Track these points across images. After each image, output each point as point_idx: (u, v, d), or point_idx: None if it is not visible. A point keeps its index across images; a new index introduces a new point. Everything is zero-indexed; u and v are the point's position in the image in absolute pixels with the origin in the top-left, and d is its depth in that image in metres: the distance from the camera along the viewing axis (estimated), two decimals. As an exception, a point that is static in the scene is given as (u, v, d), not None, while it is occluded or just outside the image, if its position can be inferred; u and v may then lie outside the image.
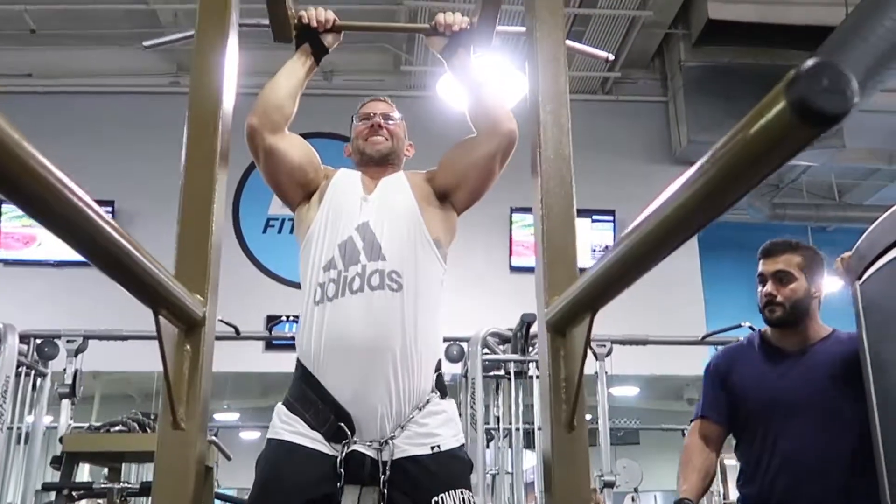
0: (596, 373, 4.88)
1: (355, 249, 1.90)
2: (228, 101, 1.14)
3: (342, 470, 1.76)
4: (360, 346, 1.81)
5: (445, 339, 4.40)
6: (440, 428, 1.85)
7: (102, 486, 2.80)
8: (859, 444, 2.19)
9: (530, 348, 4.76)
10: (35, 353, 4.71)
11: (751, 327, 4.38)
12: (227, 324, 4.65)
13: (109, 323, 5.13)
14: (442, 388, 1.92)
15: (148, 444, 2.79)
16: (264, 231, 7.29)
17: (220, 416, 10.26)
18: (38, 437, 4.67)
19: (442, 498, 1.78)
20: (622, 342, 5.08)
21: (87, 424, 3.76)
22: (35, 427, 4.69)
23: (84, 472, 5.88)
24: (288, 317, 6.52)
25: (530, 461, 5.14)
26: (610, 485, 4.68)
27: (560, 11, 1.21)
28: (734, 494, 3.71)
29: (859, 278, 2.18)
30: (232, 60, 1.16)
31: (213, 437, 3.02)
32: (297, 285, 2.06)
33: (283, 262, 7.01)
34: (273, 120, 1.99)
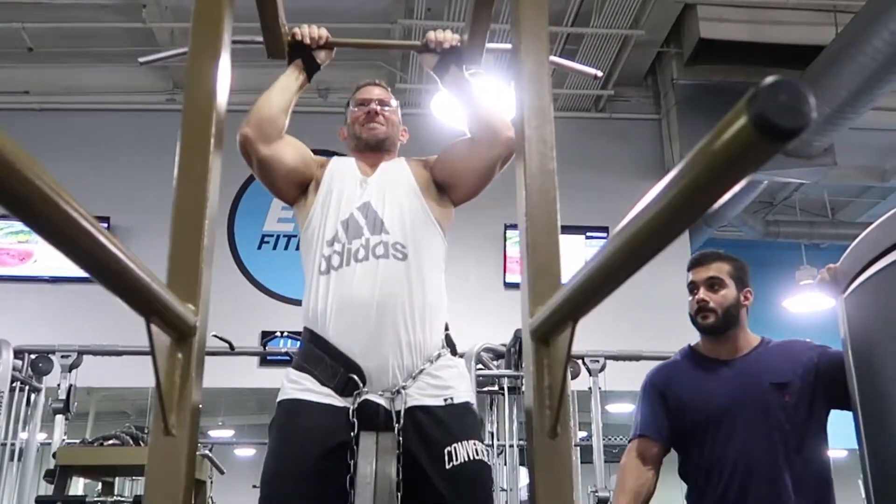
0: (589, 388, 4.89)
1: (358, 225, 1.94)
2: (221, 117, 1.17)
3: (355, 419, 1.76)
4: (367, 306, 1.83)
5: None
6: (453, 381, 1.88)
7: (96, 500, 2.81)
8: (794, 456, 2.25)
9: (523, 367, 4.78)
10: (29, 369, 4.71)
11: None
12: (222, 339, 4.66)
13: (104, 339, 5.14)
14: (451, 345, 1.95)
15: (141, 458, 2.79)
16: (259, 247, 7.31)
17: (214, 433, 10.24)
18: (31, 452, 4.66)
19: (455, 448, 1.79)
20: (615, 357, 5.09)
21: (80, 440, 3.77)
22: (29, 443, 4.68)
23: (79, 487, 5.86)
24: (282, 332, 6.54)
25: (525, 478, 5.14)
26: (603, 501, 4.69)
27: (544, 29, 1.24)
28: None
29: (844, 292, 2.21)
30: (225, 77, 1.19)
31: (207, 452, 3.03)
32: (292, 301, 2.10)
33: (277, 279, 7.03)
34: (266, 132, 2.02)
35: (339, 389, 1.80)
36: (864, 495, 2.14)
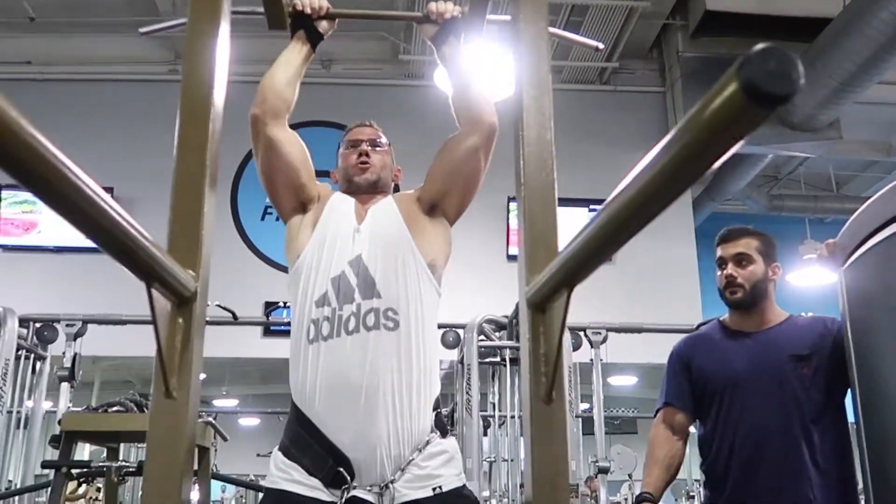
0: (591, 360, 4.92)
1: (349, 286, 1.87)
2: (220, 87, 1.18)
3: None
4: (356, 390, 1.77)
5: (441, 326, 4.45)
6: (441, 468, 1.82)
7: (101, 464, 2.85)
8: (811, 426, 2.27)
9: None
10: (34, 337, 4.76)
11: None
12: (225, 309, 4.69)
13: (108, 308, 5.18)
14: (441, 426, 1.89)
15: (145, 425, 2.83)
16: (262, 218, 7.33)
17: (218, 402, 10.32)
18: (37, 420, 4.73)
19: None
20: (617, 330, 5.12)
21: (84, 407, 3.82)
22: (35, 410, 4.74)
23: (84, 453, 5.93)
24: (285, 303, 6.57)
25: (526, 447, 5.18)
26: (604, 471, 4.74)
27: (543, 0, 1.24)
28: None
29: (843, 265, 2.22)
30: (224, 47, 1.19)
31: (211, 420, 3.07)
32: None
33: (280, 249, 7.02)
34: (274, 107, 2.00)
35: (326, 482, 1.76)
36: (859, 469, 2.17)
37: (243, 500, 9.32)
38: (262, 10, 1.99)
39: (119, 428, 2.93)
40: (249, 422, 10.75)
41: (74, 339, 4.73)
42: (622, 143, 7.69)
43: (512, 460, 4.96)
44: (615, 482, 7.60)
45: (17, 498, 4.40)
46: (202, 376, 1.07)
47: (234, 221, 7.24)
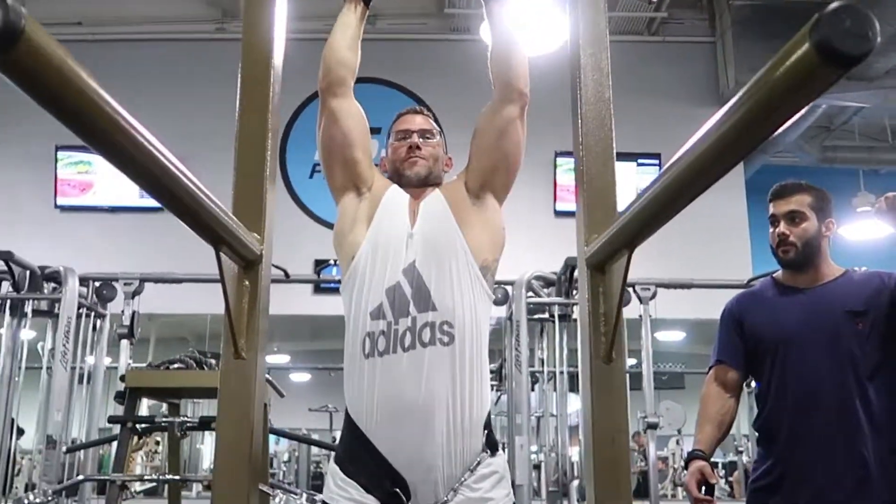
0: (640, 316, 4.90)
1: (404, 298, 1.86)
2: (279, 48, 1.19)
3: None
4: (412, 409, 1.79)
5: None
6: (492, 491, 1.84)
7: (164, 419, 2.95)
8: (867, 382, 2.24)
9: (574, 291, 4.80)
10: (94, 296, 4.89)
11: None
12: (277, 267, 4.75)
13: (160, 266, 5.30)
14: (492, 445, 1.90)
15: (205, 381, 2.92)
16: (311, 177, 7.38)
17: (270, 359, 10.51)
18: (99, 376, 4.88)
19: None
20: (666, 285, 5.07)
21: (145, 364, 3.93)
22: (96, 367, 4.89)
23: (143, 409, 6.11)
24: (335, 261, 6.64)
25: (575, 404, 5.21)
26: (653, 426, 4.74)
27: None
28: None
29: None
30: (282, 4, 1.20)
31: (267, 376, 3.14)
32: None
33: (330, 207, 7.09)
34: (338, 76, 2.00)
35: (383, 502, 1.80)
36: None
37: (296, 454, 9.53)
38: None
39: (181, 384, 3.02)
40: (300, 377, 10.94)
41: (132, 298, 4.85)
42: (670, 95, 7.55)
43: (560, 415, 4.99)
44: (663, 437, 7.62)
45: (81, 451, 4.56)
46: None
47: (284, 179, 7.30)
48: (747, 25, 7.15)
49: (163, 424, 2.95)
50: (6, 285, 4.60)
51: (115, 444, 3.09)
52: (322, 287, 6.84)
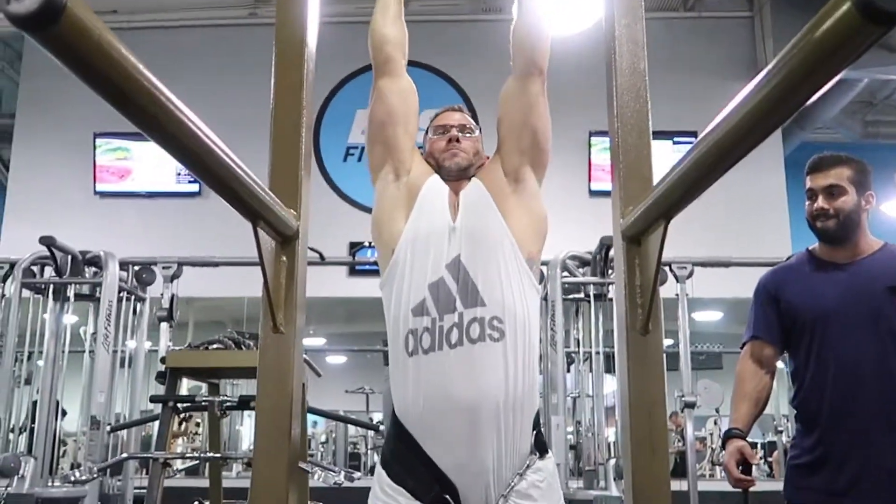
0: (676, 295, 4.87)
1: (449, 294, 1.79)
2: (313, 28, 1.19)
3: None
4: (461, 409, 1.73)
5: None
6: (543, 499, 1.78)
7: (204, 398, 3.00)
8: None
9: (609, 271, 4.77)
10: (134, 280, 4.97)
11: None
12: (312, 249, 4.78)
13: (197, 250, 5.37)
14: (541, 446, 1.84)
15: (244, 361, 2.96)
16: (345, 160, 7.41)
17: (307, 341, 10.60)
18: (140, 358, 4.98)
19: None
20: (704, 264, 5.03)
21: (185, 345, 4.00)
22: (137, 350, 4.99)
23: (182, 389, 6.20)
24: (370, 243, 6.68)
25: (611, 385, 5.20)
26: (690, 405, 4.71)
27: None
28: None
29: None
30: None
31: (305, 356, 3.17)
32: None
33: (363, 190, 7.13)
34: (385, 54, 2.02)
35: None
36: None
37: (333, 435, 9.64)
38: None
39: (220, 364, 3.07)
40: (336, 360, 11.05)
41: (171, 281, 4.93)
42: (707, 71, 7.44)
43: (596, 395, 4.97)
44: (700, 417, 7.56)
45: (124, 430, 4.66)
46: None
47: (318, 162, 7.34)
48: (786, -1, 7.02)
49: (203, 403, 3.00)
50: (49, 270, 4.69)
51: (156, 423, 3.15)
52: (357, 269, 6.88)
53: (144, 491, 3.06)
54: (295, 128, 1.09)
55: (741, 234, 6.95)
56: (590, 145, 7.12)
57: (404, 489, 1.76)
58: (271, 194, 0.94)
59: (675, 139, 6.94)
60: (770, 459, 8.07)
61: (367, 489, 1.86)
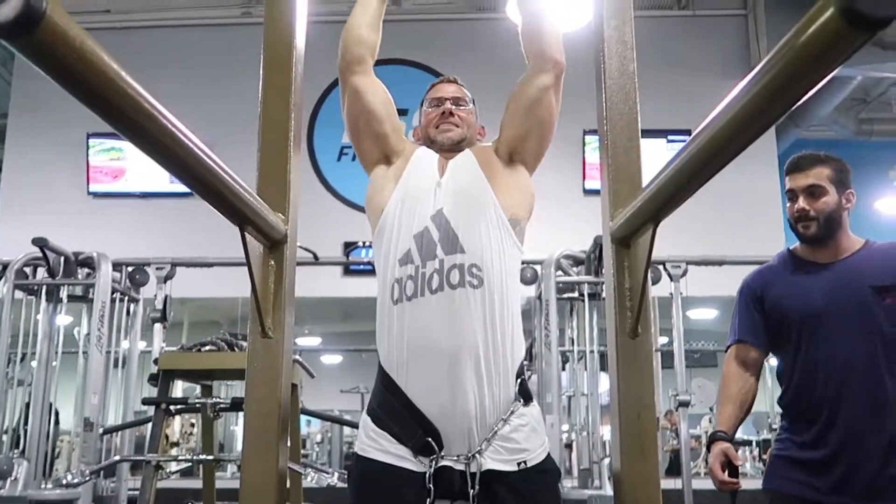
0: (671, 294, 4.87)
1: (432, 241, 1.84)
2: (301, 30, 1.19)
3: (431, 485, 1.73)
4: (442, 353, 1.76)
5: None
6: (526, 441, 1.80)
7: (197, 400, 2.99)
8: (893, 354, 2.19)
9: (603, 270, 4.77)
10: (127, 281, 4.96)
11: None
12: (306, 249, 4.78)
13: (192, 251, 5.36)
14: (525, 393, 1.86)
15: (237, 363, 2.95)
16: (338, 159, 7.40)
17: (301, 341, 10.60)
18: (133, 359, 4.96)
19: None
20: (697, 262, 5.03)
21: (178, 347, 4.00)
22: (131, 350, 4.97)
23: (177, 391, 6.20)
24: (364, 242, 6.68)
25: (606, 384, 5.20)
26: (685, 404, 4.72)
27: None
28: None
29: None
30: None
31: (298, 357, 3.17)
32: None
33: (358, 190, 7.13)
34: (356, 55, 2.00)
35: (415, 450, 1.77)
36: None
37: (328, 435, 9.63)
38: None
39: (213, 366, 3.06)
40: (332, 359, 11.04)
41: (165, 282, 4.91)
42: (701, 70, 7.45)
43: (591, 394, 4.97)
44: (695, 415, 7.56)
45: (117, 432, 4.65)
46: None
47: (311, 162, 7.33)
48: (779, -3, 7.02)
49: (196, 405, 3.00)
50: (41, 271, 4.67)
51: (150, 425, 3.14)
52: (351, 269, 6.88)
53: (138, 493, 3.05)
54: (283, 131, 1.09)
55: (735, 232, 6.96)
56: (584, 144, 7.12)
57: (388, 434, 1.79)
58: (258, 199, 0.93)
59: (669, 137, 6.95)
60: (765, 457, 8.08)
61: None
